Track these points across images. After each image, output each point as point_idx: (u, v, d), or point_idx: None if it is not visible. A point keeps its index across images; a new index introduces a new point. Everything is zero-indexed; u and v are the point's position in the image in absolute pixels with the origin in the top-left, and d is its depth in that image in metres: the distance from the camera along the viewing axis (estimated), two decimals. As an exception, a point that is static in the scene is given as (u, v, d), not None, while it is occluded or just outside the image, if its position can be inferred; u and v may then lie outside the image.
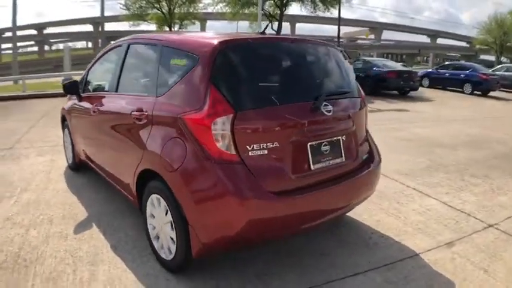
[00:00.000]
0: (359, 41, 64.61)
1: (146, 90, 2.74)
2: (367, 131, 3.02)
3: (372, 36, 64.96)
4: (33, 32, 65.96)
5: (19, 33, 64.70)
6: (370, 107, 11.12)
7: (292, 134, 2.33)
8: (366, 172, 2.74)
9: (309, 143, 2.40)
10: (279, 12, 22.66)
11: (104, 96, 3.32)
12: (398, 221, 3.31)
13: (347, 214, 3.38)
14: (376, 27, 67.37)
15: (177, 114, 2.29)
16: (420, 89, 15.33)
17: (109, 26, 63.98)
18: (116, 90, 3.13)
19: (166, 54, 2.61)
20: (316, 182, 2.41)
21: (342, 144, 2.60)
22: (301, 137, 2.36)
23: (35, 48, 69.52)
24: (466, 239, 3.01)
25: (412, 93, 14.57)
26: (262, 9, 19.05)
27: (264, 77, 2.39)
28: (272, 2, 22.76)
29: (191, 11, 26.57)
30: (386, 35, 69.70)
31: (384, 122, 8.22)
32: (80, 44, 76.11)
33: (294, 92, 2.45)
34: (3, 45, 59.09)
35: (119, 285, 2.34)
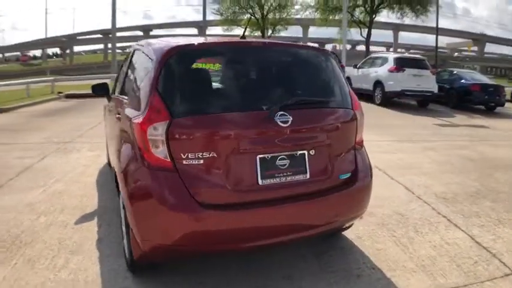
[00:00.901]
0: (456, 54, 59.77)
1: (128, 94, 2.90)
2: (357, 147, 2.65)
3: (475, 48, 59.97)
4: (140, 33, 73.62)
5: (126, 34, 73.13)
6: (448, 121, 10.05)
7: (235, 144, 2.18)
8: (342, 193, 2.43)
9: (259, 156, 2.22)
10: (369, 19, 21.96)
11: (116, 99, 3.56)
12: (404, 252, 2.88)
13: (347, 237, 3.11)
14: (479, 39, 61.79)
15: (131, 117, 2.35)
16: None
17: (214, 30, 68.72)
18: (120, 94, 3.33)
19: (142, 59, 2.71)
20: (266, 198, 2.22)
21: (307, 159, 2.34)
22: (248, 148, 2.21)
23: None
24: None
25: (500, 109, 12.75)
26: (352, 16, 18.66)
27: (209, 84, 2.33)
28: (362, 8, 22.11)
29: (284, 16, 27.10)
30: (491, 48, 63.52)
31: (453, 138, 7.38)
32: None
33: (244, 99, 2.32)
34: (110, 45, 66.77)
35: (81, 275, 2.48)
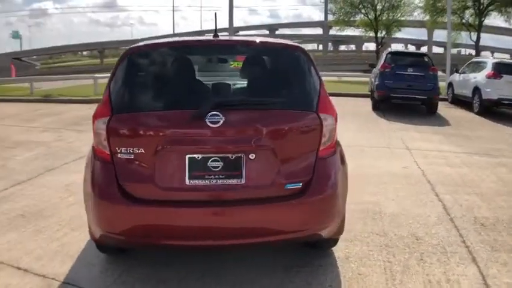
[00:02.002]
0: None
1: None
2: (322, 155, 2.31)
3: None
4: (266, 32, 75.99)
5: (253, 32, 76.18)
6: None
7: (164, 142, 2.16)
8: (286, 204, 2.20)
9: (188, 155, 2.15)
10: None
11: None
12: (386, 283, 2.45)
13: (334, 254, 2.79)
14: None
15: None
16: None
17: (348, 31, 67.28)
18: None
19: None
20: (192, 199, 2.18)
21: (244, 163, 2.17)
22: (177, 147, 2.17)
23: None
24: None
25: None
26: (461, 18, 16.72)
27: (152, 83, 2.35)
28: (472, 11, 19.49)
29: (397, 17, 25.35)
30: None
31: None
32: (311, 46, 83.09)
33: (181, 98, 2.28)
34: None
35: (67, 248, 2.79)
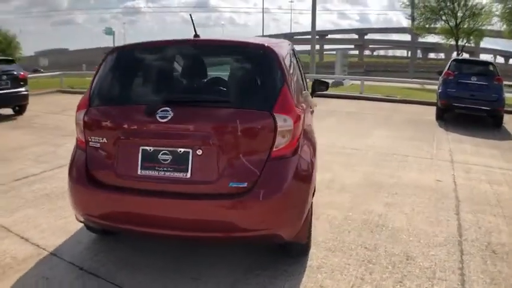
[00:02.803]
0: None
1: None
2: (275, 156, 2.21)
3: None
4: (355, 36, 73.38)
5: (342, 36, 74.00)
6: None
7: (121, 134, 2.30)
8: (228, 202, 2.16)
9: (142, 147, 2.24)
10: None
11: None
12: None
13: (306, 263, 2.63)
14: None
15: None
16: None
17: (429, 38, 62.55)
18: None
19: None
20: (143, 188, 2.25)
21: (191, 158, 2.18)
22: (132, 139, 2.28)
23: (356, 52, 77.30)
24: None
25: None
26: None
27: (121, 80, 2.49)
28: None
29: (478, 26, 22.84)
30: None
31: None
32: (399, 52, 78.35)
33: (142, 94, 2.38)
34: (326, 46, 69.08)
35: (70, 226, 3.00)
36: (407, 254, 2.79)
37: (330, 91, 16.87)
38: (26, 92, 8.54)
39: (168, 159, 2.23)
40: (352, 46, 76.47)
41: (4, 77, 8.21)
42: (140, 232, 2.41)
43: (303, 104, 2.75)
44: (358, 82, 16.23)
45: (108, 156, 2.37)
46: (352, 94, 13.93)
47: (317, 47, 74.39)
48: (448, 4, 22.69)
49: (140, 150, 2.27)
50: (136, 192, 2.26)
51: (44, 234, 2.95)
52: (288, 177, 2.24)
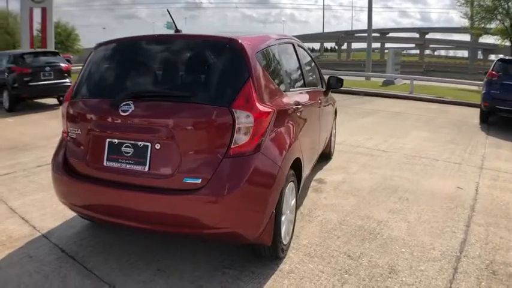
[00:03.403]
0: None
1: None
2: (232, 153, 2.12)
3: None
4: (416, 35, 68.99)
5: (403, 35, 69.80)
6: None
7: (92, 126, 2.35)
8: (180, 197, 2.10)
9: (108, 139, 2.28)
10: None
11: None
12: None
13: (275, 266, 2.49)
14: None
15: None
16: None
17: (490, 39, 57.03)
18: None
19: None
20: (109, 179, 2.27)
21: (149, 152, 2.17)
22: (100, 131, 2.32)
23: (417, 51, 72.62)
24: None
25: None
26: None
27: (98, 74, 2.55)
28: None
29: None
30: None
31: None
32: (460, 53, 72.61)
33: (113, 88, 2.41)
34: (387, 45, 65.71)
35: (65, 211, 3.05)
36: (392, 267, 2.51)
37: (378, 90, 16.40)
38: (69, 83, 9.03)
39: (130, 152, 2.24)
40: (413, 45, 72.10)
41: (48, 69, 8.83)
42: (107, 222, 2.44)
43: (282, 100, 2.59)
44: (416, 82, 15.26)
45: (82, 147, 2.44)
46: (401, 94, 13.11)
47: (378, 45, 71.42)
48: (503, 3, 20.38)
49: (107, 143, 2.31)
50: (102, 182, 2.30)
51: (43, 217, 3.12)
52: (244, 176, 2.12)
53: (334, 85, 4.38)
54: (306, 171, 3.17)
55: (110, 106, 2.29)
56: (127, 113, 2.22)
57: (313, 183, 4.11)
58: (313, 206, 3.50)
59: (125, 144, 2.25)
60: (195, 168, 2.14)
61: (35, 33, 13.71)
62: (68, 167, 2.47)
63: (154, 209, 2.20)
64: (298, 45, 3.61)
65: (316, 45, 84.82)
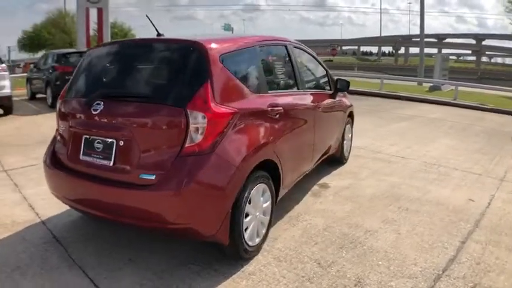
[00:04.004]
0: None
1: None
2: (186, 152, 2.13)
3: None
4: (472, 41, 63.63)
5: (460, 40, 64.60)
6: None
7: (71, 123, 2.54)
8: (135, 192, 2.15)
9: (84, 136, 2.42)
10: None
11: None
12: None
13: (240, 267, 2.43)
14: None
15: None
16: None
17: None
18: None
19: None
20: (83, 172, 2.41)
21: (115, 148, 2.27)
22: (78, 128, 2.48)
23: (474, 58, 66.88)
24: None
25: None
26: None
27: (84, 75, 2.71)
28: None
29: None
30: None
31: None
32: None
33: (90, 88, 2.56)
34: (444, 50, 61.33)
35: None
36: (360, 280, 2.32)
37: (422, 95, 15.58)
38: None
39: (100, 148, 2.36)
40: (469, 52, 66.61)
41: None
42: (84, 212, 2.57)
43: (253, 102, 2.52)
44: (465, 88, 14.13)
45: (65, 142, 2.59)
46: (444, 100, 12.27)
47: (435, 50, 66.85)
48: None
49: (83, 139, 2.45)
50: (79, 175, 2.43)
51: (48, 206, 3.32)
52: (195, 174, 2.12)
53: (342, 88, 4.19)
54: (291, 174, 3.04)
55: (85, 105, 2.44)
56: (97, 112, 2.34)
57: (314, 187, 3.95)
58: (305, 210, 3.36)
59: (97, 140, 2.38)
60: (150, 165, 2.19)
61: (92, 32, 13.86)
62: (55, 161, 2.63)
63: (116, 202, 2.28)
64: (296, 47, 3.49)
65: (374, 49, 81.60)
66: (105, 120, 2.35)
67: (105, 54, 2.72)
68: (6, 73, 8.27)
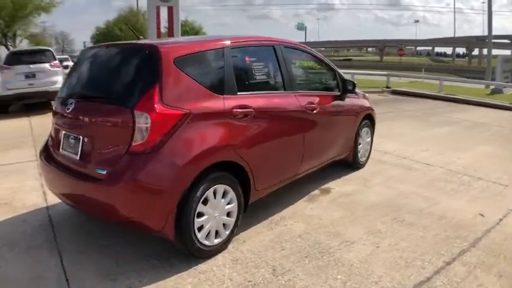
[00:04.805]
0: None
1: None
2: (134, 150, 2.18)
3: None
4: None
5: (496, 41, 55.82)
6: None
7: (55, 120, 2.77)
8: (90, 185, 2.26)
9: (63, 131, 2.62)
10: None
11: None
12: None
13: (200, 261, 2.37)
14: None
15: None
16: None
17: None
18: None
19: None
20: (61, 163, 2.59)
21: (81, 143, 2.42)
22: (58, 125, 2.72)
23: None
24: None
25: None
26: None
27: (72, 75, 2.88)
28: None
29: None
30: None
31: None
32: None
33: (68, 89, 2.76)
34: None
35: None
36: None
37: (480, 98, 14.01)
38: None
39: (72, 143, 2.53)
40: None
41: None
42: (64, 202, 2.71)
43: (213, 103, 2.45)
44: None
45: (54, 136, 2.80)
46: (500, 103, 10.83)
47: (508, 52, 58.58)
48: None
49: (62, 134, 2.64)
50: (59, 166, 2.61)
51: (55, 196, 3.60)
52: (137, 172, 2.17)
53: (348, 89, 3.88)
54: (267, 178, 2.90)
55: (62, 104, 2.63)
56: (69, 110, 2.53)
57: (314, 192, 3.71)
58: (290, 215, 3.17)
59: (70, 136, 2.55)
60: (104, 161, 2.29)
61: (163, 30, 13.44)
62: (47, 154, 2.83)
63: (81, 193, 2.42)
64: (290, 48, 3.31)
65: (449, 50, 74.90)
66: (74, 118, 2.52)
67: (85, 56, 2.88)
68: (60, 69, 8.86)
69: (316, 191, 3.73)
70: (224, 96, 2.54)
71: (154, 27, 12.51)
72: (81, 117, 2.47)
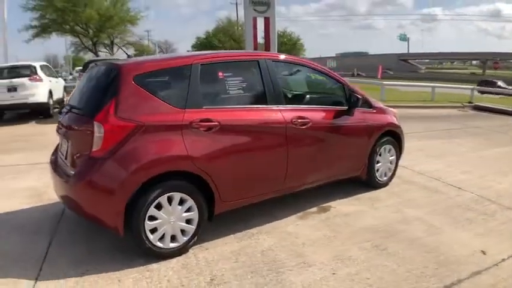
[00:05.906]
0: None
1: None
2: (92, 156, 2.41)
3: None
4: None
5: None
6: None
7: (57, 127, 3.08)
8: (68, 183, 2.54)
9: (59, 136, 3.01)
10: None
11: None
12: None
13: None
14: None
15: None
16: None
17: None
18: None
19: None
20: (58, 163, 2.93)
21: (67, 147, 2.75)
22: (59, 129, 3.02)
23: None
24: None
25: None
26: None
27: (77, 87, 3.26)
28: None
29: None
30: None
31: None
32: None
33: (69, 100, 3.11)
34: None
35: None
36: None
37: None
38: None
39: (66, 147, 2.84)
40: None
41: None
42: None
43: (170, 116, 2.54)
44: None
45: (59, 143, 3.18)
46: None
47: None
48: None
49: (63, 140, 2.99)
50: (55, 166, 2.96)
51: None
52: (90, 174, 2.43)
53: (357, 104, 3.55)
54: (236, 191, 2.85)
55: (60, 113, 3.05)
56: (62, 119, 2.93)
57: (311, 209, 3.44)
58: (269, 230, 3.01)
59: (63, 140, 2.91)
60: (74, 163, 2.60)
61: (261, 40, 13.13)
62: (54, 158, 3.19)
63: (65, 191, 2.68)
64: (282, 62, 3.27)
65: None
66: (63, 125, 2.88)
67: (87, 71, 3.21)
68: (39, 83, 8.96)
69: (314, 208, 3.47)
70: (186, 110, 2.59)
71: (251, 38, 12.24)
72: (66, 124, 2.82)
